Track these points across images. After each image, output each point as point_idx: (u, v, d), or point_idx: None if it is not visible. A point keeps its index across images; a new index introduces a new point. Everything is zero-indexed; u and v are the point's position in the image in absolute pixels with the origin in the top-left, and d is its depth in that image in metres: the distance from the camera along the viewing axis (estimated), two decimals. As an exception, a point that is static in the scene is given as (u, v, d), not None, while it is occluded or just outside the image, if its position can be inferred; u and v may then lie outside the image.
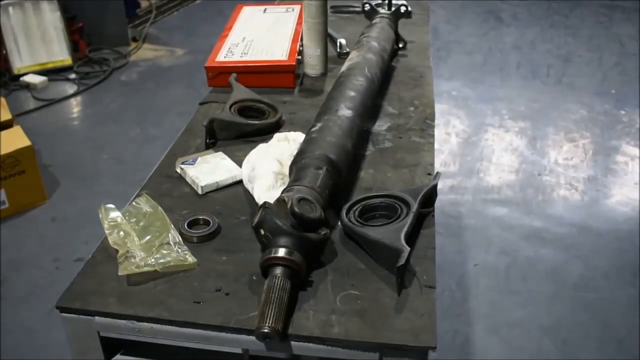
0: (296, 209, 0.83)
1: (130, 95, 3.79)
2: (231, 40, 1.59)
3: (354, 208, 0.96)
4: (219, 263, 0.90)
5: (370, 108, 1.26)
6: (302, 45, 1.52)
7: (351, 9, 1.94)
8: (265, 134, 1.23)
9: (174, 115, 3.34)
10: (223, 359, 0.86)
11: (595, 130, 3.41)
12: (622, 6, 5.29)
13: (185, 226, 0.95)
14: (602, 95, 3.80)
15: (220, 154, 1.16)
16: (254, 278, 0.86)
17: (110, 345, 0.86)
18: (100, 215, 0.94)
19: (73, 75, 3.94)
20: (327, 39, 1.51)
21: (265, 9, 1.81)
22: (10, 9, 3.81)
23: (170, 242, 0.90)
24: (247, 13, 1.79)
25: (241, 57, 1.49)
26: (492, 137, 3.35)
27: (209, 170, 1.10)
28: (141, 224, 0.94)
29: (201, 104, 1.40)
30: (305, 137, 1.06)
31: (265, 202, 0.88)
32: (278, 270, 0.81)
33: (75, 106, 3.73)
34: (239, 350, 0.83)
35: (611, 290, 2.27)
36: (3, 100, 2.90)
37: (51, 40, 3.96)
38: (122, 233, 0.91)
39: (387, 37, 1.50)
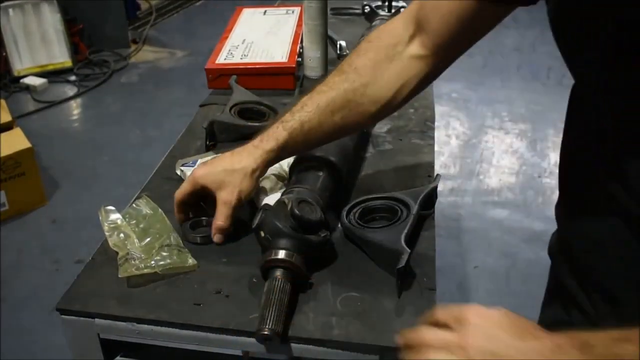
0: (296, 211, 0.83)
1: (130, 97, 3.79)
2: (231, 42, 1.59)
3: (354, 210, 0.96)
4: (219, 265, 0.90)
5: (371, 110, 1.26)
6: (302, 47, 1.52)
7: (351, 11, 1.94)
8: (265, 136, 1.22)
9: (174, 117, 3.34)
10: (223, 361, 0.86)
11: (595, 132, 3.40)
12: (622, 8, 5.29)
13: (189, 227, 0.95)
14: (602, 97, 3.79)
15: (221, 156, 1.16)
16: (254, 280, 0.86)
17: (110, 347, 0.86)
18: (100, 217, 0.94)
19: (73, 77, 3.94)
20: (327, 40, 1.51)
21: (265, 11, 1.81)
22: (11, 10, 3.81)
23: (171, 244, 0.90)
24: (247, 15, 1.79)
25: (241, 59, 1.49)
26: (492, 139, 3.35)
27: (209, 172, 1.10)
28: (141, 226, 0.94)
29: (201, 105, 1.40)
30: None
31: (265, 204, 0.88)
32: (278, 273, 0.81)
33: (75, 108, 3.73)
34: (239, 353, 0.83)
35: (611, 292, 2.26)
36: (3, 102, 2.91)
37: (51, 42, 3.96)
38: (122, 235, 0.91)
39: (387, 39, 1.50)
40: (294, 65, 1.45)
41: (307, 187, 0.91)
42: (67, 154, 3.14)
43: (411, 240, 0.90)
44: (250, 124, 1.24)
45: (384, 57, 0.86)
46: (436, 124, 1.33)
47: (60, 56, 3.99)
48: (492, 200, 2.82)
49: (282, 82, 1.46)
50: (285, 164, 1.04)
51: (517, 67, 4.27)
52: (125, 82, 3.99)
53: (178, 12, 5.15)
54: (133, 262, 0.86)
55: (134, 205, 0.99)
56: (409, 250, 0.82)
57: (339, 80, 0.88)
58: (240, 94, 1.31)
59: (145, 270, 0.85)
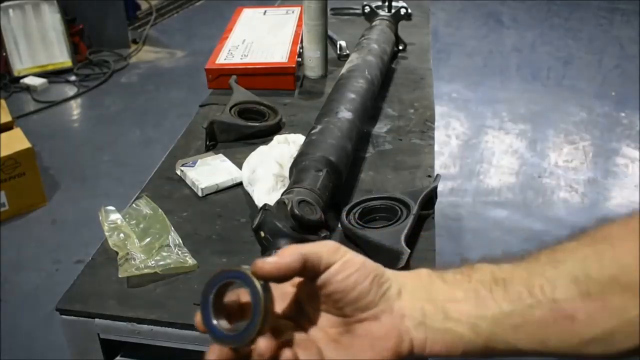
0: (296, 211, 0.83)
1: (130, 98, 3.79)
2: (231, 43, 1.59)
3: (354, 210, 0.96)
4: (219, 265, 0.90)
5: (370, 110, 1.26)
6: (302, 48, 1.52)
7: (351, 11, 1.94)
8: (265, 136, 1.23)
9: (174, 118, 3.34)
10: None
11: (595, 132, 3.41)
12: (622, 8, 5.30)
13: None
14: (602, 98, 3.80)
15: (221, 156, 1.16)
16: (254, 280, 0.85)
17: (110, 347, 0.86)
18: (100, 218, 0.94)
19: (73, 77, 3.94)
20: (327, 41, 1.51)
21: (265, 11, 1.81)
22: (11, 11, 3.81)
23: (170, 244, 0.90)
24: (247, 15, 1.79)
25: (241, 59, 1.49)
26: (492, 140, 3.35)
27: (209, 172, 1.10)
28: (141, 226, 0.94)
29: (201, 106, 1.41)
30: (305, 139, 1.06)
31: (265, 204, 0.87)
32: (278, 273, 0.80)
33: (75, 108, 3.73)
34: (239, 353, 0.83)
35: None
36: (3, 102, 2.90)
37: (51, 43, 3.96)
38: (122, 235, 0.91)
39: (387, 39, 1.50)
40: (294, 66, 1.45)
41: (307, 187, 0.91)
42: (67, 154, 3.14)
43: (411, 240, 0.90)
44: (250, 124, 1.24)
45: None
46: (436, 124, 1.33)
47: (60, 56, 3.99)
48: (492, 200, 2.82)
49: (282, 82, 1.46)
50: (285, 163, 1.05)
51: (517, 67, 4.27)
52: (125, 82, 3.99)
53: (178, 12, 5.15)
54: (133, 262, 0.86)
55: (134, 205, 0.99)
56: (408, 250, 0.82)
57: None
58: (240, 94, 1.31)
59: (145, 271, 0.85)
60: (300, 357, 0.49)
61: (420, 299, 0.51)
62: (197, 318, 0.52)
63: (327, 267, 0.50)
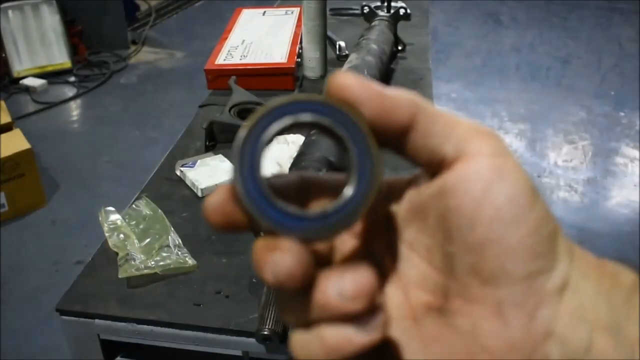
0: (296, 211, 0.83)
1: (129, 98, 3.79)
2: (230, 43, 1.59)
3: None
4: (219, 265, 0.90)
5: (370, 110, 1.26)
6: (301, 48, 1.52)
7: (350, 11, 1.94)
8: (264, 136, 1.23)
9: (174, 118, 3.34)
10: (223, 361, 0.86)
11: (594, 132, 3.41)
12: (621, 8, 5.30)
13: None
14: (601, 97, 3.80)
15: (220, 157, 1.16)
16: (254, 280, 0.86)
17: (110, 348, 0.86)
18: (100, 218, 0.94)
19: (72, 78, 3.94)
20: (326, 41, 1.51)
21: (264, 12, 1.81)
22: (10, 12, 3.81)
23: (170, 245, 0.90)
24: (247, 16, 1.79)
25: (240, 59, 1.50)
26: (491, 139, 3.35)
27: (208, 172, 1.10)
28: (141, 226, 0.94)
29: (201, 106, 1.41)
30: (305, 139, 1.06)
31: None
32: (278, 273, 0.81)
33: (74, 109, 3.73)
34: (239, 353, 0.83)
35: (611, 291, 2.27)
36: (3, 103, 2.90)
37: (51, 44, 3.96)
38: (122, 236, 0.91)
39: (386, 40, 1.50)
40: (293, 66, 1.45)
41: (306, 188, 0.91)
42: (66, 154, 3.14)
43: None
44: (249, 124, 1.24)
45: None
46: (435, 124, 1.33)
47: (60, 57, 3.99)
48: (491, 200, 2.81)
49: (282, 82, 1.46)
50: (284, 164, 1.05)
51: (516, 67, 4.27)
52: (125, 83, 3.99)
53: (177, 12, 5.15)
54: (133, 262, 0.86)
55: (133, 206, 0.99)
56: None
57: None
58: (240, 95, 1.31)
59: (145, 271, 0.85)
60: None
61: (597, 318, 0.26)
62: (221, 193, 0.28)
63: (460, 161, 0.27)
